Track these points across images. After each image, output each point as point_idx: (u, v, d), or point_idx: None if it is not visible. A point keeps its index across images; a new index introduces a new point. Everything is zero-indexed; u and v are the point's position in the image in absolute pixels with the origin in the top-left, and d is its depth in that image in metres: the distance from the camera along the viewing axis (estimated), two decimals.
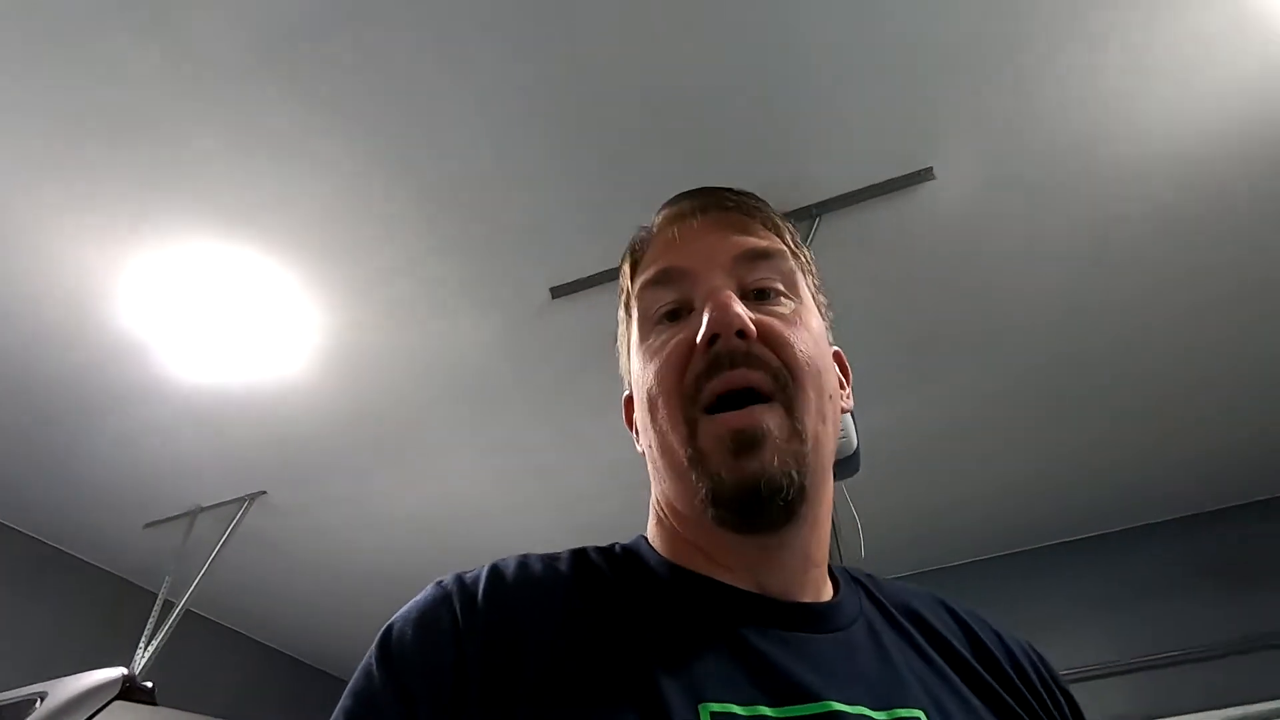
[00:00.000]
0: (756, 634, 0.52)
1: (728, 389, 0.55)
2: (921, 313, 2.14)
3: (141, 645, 2.54)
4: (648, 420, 0.60)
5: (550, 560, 0.58)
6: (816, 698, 0.48)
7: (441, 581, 0.56)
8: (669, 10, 1.53)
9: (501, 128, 1.71)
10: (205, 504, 2.70)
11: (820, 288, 0.68)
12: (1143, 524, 3.01)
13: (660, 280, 0.62)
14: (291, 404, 2.34)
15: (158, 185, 1.76)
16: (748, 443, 0.53)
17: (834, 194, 1.84)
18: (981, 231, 1.95)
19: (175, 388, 2.26)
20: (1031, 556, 3.12)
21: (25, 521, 2.76)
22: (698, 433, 0.55)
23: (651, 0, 1.51)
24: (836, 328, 0.69)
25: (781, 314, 0.59)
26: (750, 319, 0.56)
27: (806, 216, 1.86)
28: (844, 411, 0.63)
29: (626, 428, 0.70)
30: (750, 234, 0.63)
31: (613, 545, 0.62)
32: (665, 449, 0.58)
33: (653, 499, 0.63)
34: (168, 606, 2.64)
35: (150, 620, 2.60)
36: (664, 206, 0.68)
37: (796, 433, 0.55)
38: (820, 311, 0.65)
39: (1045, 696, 0.59)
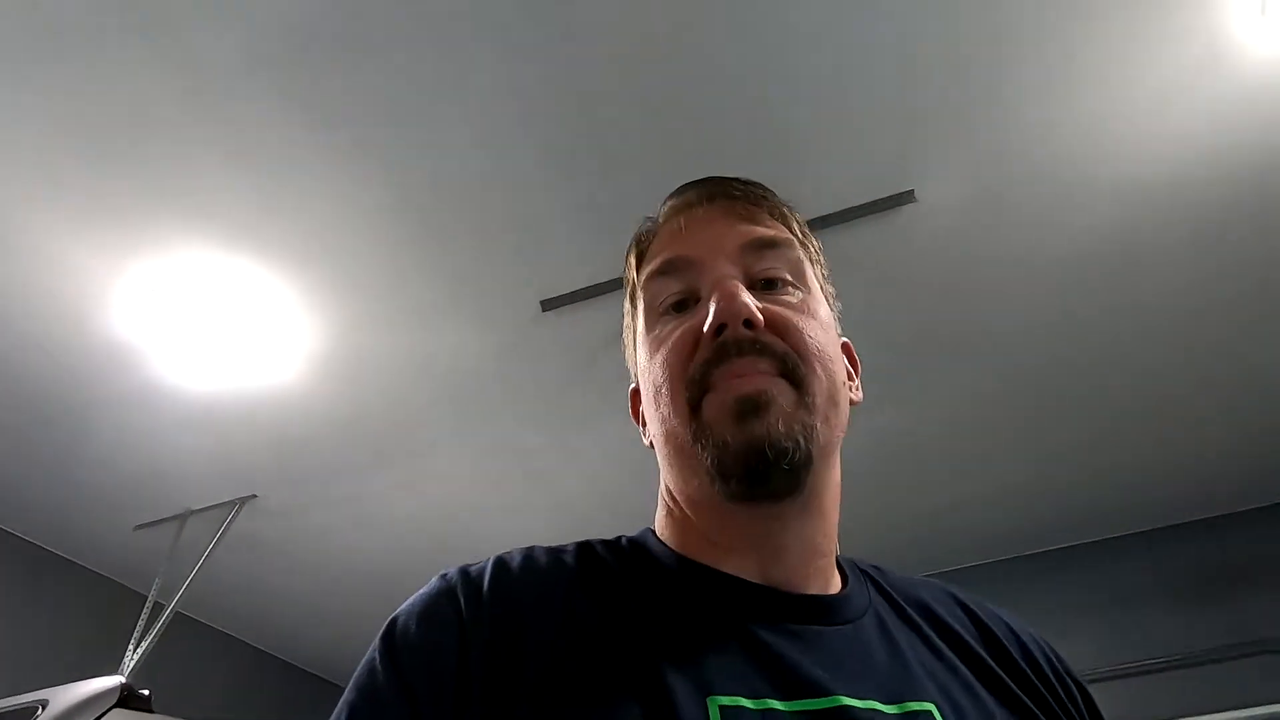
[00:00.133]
0: (765, 627, 0.51)
1: (735, 376, 0.54)
2: (897, 331, 2.19)
3: (131, 647, 2.55)
4: (653, 409, 0.59)
5: (556, 552, 0.57)
6: (826, 692, 0.47)
7: (446, 574, 0.55)
8: (661, 32, 1.57)
9: (496, 144, 1.74)
10: (196, 507, 2.73)
11: (829, 277, 0.67)
12: (1118, 535, 3.08)
13: (666, 270, 0.61)
14: (284, 409, 2.37)
15: (155, 195, 1.79)
16: (752, 407, 0.52)
17: (815, 215, 1.88)
18: (959, 255, 2.00)
19: (169, 392, 2.28)
20: (1007, 566, 3.18)
21: (15, 522, 2.77)
22: (701, 408, 0.54)
23: (644, 22, 1.55)
24: None
25: (789, 303, 0.58)
26: (758, 308, 0.55)
27: None
28: (853, 404, 0.62)
29: (633, 421, 0.68)
30: (757, 223, 0.62)
31: (619, 538, 0.62)
32: (670, 434, 0.57)
33: (660, 490, 0.63)
34: (157, 609, 2.65)
35: (140, 622, 2.62)
36: (669, 197, 0.67)
37: (805, 404, 0.54)
38: (829, 301, 0.64)
39: (1059, 689, 0.58)
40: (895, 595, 0.60)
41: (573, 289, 2.04)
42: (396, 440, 2.52)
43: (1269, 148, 1.77)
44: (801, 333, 0.56)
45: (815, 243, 0.67)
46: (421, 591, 0.55)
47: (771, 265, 0.60)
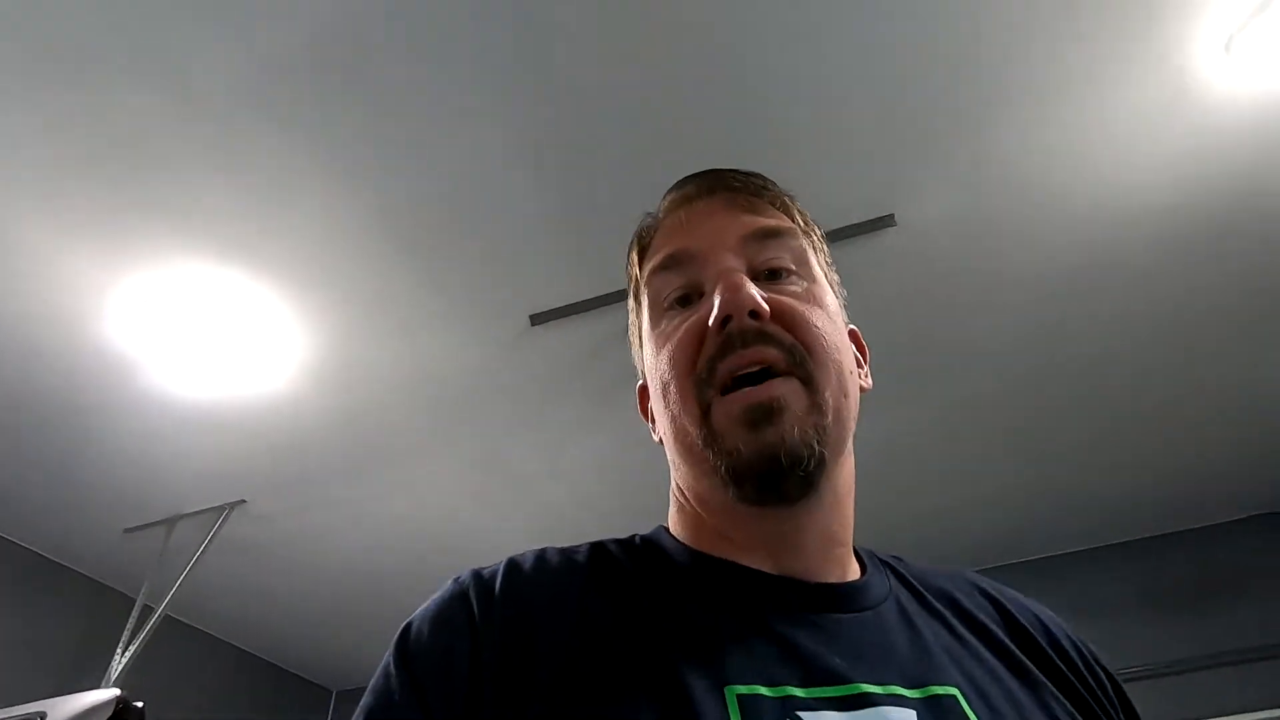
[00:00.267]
0: (782, 617, 0.51)
1: (742, 367, 0.53)
2: (874, 349, 2.24)
3: (119, 650, 2.58)
4: (662, 407, 0.59)
5: (568, 553, 0.57)
6: (846, 680, 0.47)
7: (459, 578, 0.55)
8: (646, 51, 1.60)
9: (484, 162, 1.78)
10: (185, 511, 2.75)
11: (833, 265, 0.66)
12: (1094, 546, 3.15)
13: (668, 265, 0.60)
14: (274, 417, 2.40)
15: (151, 211, 1.82)
16: (764, 414, 0.51)
17: None
18: (939, 278, 2.05)
19: (161, 400, 2.31)
20: (992, 574, 3.23)
21: (3, 526, 2.79)
22: (711, 414, 0.53)
23: (628, 39, 1.59)
24: None
25: (795, 293, 0.58)
26: (763, 298, 0.54)
27: None
28: (862, 391, 0.61)
29: (641, 417, 0.67)
30: (759, 213, 0.61)
31: (632, 536, 0.61)
32: (679, 433, 0.56)
33: (672, 486, 0.62)
34: (146, 611, 2.68)
35: (128, 625, 2.64)
36: (669, 191, 0.66)
37: (816, 405, 0.53)
38: (834, 289, 0.63)
39: (1089, 677, 0.57)
40: (916, 583, 0.59)
41: (562, 304, 2.08)
42: (385, 449, 2.55)
43: (1231, 175, 1.83)
44: (808, 323, 0.55)
45: (818, 231, 0.66)
46: (435, 595, 0.55)
47: (775, 255, 0.59)
